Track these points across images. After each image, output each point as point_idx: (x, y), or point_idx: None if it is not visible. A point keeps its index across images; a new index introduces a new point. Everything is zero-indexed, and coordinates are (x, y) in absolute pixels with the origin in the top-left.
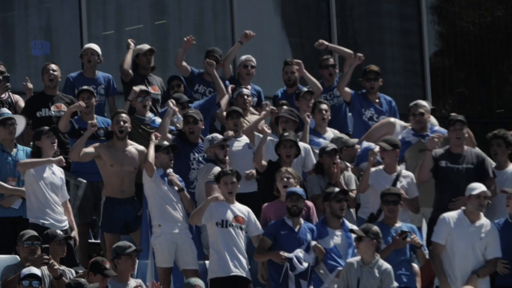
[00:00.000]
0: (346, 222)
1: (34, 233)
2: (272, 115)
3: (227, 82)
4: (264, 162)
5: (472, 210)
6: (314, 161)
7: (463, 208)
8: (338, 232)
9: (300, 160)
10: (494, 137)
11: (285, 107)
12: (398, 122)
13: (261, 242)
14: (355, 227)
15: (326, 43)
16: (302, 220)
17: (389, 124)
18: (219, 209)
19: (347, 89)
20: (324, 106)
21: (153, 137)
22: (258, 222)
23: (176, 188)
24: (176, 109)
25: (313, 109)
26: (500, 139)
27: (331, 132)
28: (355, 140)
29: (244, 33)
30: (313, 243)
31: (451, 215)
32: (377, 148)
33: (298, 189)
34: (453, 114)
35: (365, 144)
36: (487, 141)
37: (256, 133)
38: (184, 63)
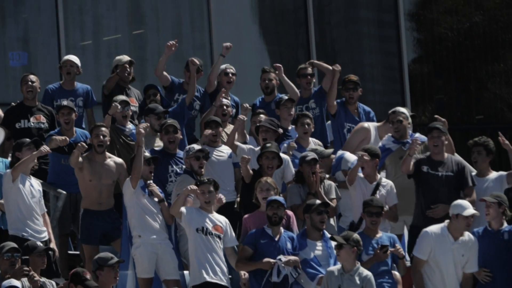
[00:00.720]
0: (326, 232)
1: (14, 245)
2: (253, 124)
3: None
4: (250, 171)
5: (457, 228)
6: (293, 173)
7: (447, 222)
8: (319, 243)
9: (279, 170)
10: (475, 144)
11: (263, 116)
12: (372, 125)
13: (242, 252)
14: (335, 236)
15: (316, 61)
16: (282, 229)
17: (363, 129)
18: (199, 216)
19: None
20: (307, 120)
21: (141, 130)
22: (233, 234)
23: (156, 199)
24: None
25: (296, 122)
26: (480, 147)
27: (313, 144)
28: (330, 151)
29: (224, 46)
30: (283, 259)
31: (434, 231)
32: (354, 157)
33: (279, 197)
34: (436, 116)
35: (339, 152)
36: (467, 148)
37: (238, 144)
38: (164, 73)
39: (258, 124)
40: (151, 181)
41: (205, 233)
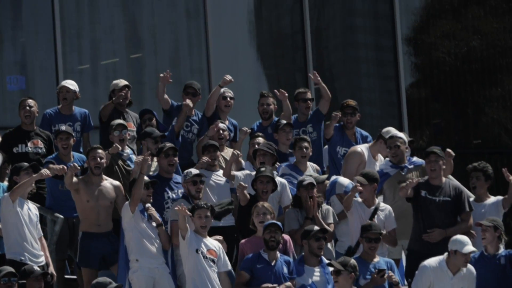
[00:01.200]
0: (323, 258)
1: (11, 269)
2: (251, 147)
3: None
4: (247, 196)
5: (456, 264)
6: (290, 197)
7: (446, 256)
8: (317, 269)
9: (277, 195)
10: (474, 169)
11: (261, 139)
12: (363, 147)
13: (239, 277)
14: (333, 261)
15: (319, 78)
16: (278, 254)
17: (356, 154)
18: (195, 240)
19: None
20: (305, 144)
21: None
22: (226, 258)
23: (154, 223)
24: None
25: (294, 146)
26: (479, 172)
27: (311, 168)
28: (325, 176)
29: (224, 77)
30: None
31: (433, 264)
32: (347, 181)
33: (276, 221)
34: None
35: (333, 177)
36: (464, 172)
37: (235, 173)
38: (165, 96)
39: (255, 148)
40: (150, 205)
41: (202, 255)
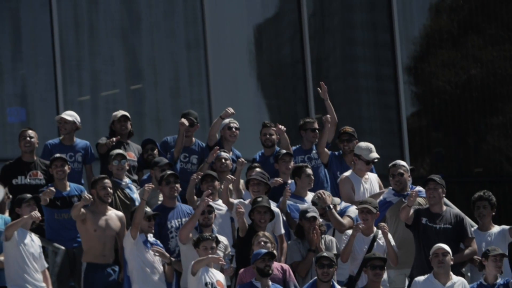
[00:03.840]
0: (335, 283)
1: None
2: (248, 178)
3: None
4: (246, 225)
5: (436, 271)
6: (282, 228)
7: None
8: None
9: (270, 224)
10: (480, 198)
11: (257, 169)
12: (346, 175)
13: None
14: None
15: (327, 93)
16: (270, 282)
17: (343, 180)
18: (204, 271)
19: (326, 150)
20: (309, 171)
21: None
22: None
23: (165, 260)
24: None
25: (299, 173)
26: (485, 201)
27: (310, 195)
28: (339, 200)
29: (226, 110)
30: None
31: (421, 279)
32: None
33: (271, 251)
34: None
35: (343, 205)
36: (466, 200)
37: (232, 201)
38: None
39: (248, 178)
40: (156, 244)
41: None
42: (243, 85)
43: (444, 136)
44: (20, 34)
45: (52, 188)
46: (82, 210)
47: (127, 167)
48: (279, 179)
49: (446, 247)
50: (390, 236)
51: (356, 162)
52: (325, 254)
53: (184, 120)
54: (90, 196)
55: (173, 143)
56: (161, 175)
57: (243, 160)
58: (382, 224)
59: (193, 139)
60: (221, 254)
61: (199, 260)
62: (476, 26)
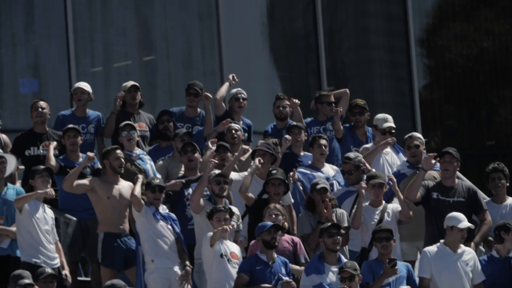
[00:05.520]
0: (342, 256)
1: (29, 280)
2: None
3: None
4: (251, 195)
5: (453, 241)
6: (291, 198)
7: (442, 240)
8: (334, 268)
9: None
10: (495, 170)
11: (261, 141)
12: (367, 146)
13: (238, 279)
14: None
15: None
16: (275, 254)
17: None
18: (219, 243)
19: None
20: (323, 142)
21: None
22: None
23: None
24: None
25: (312, 144)
26: (500, 173)
27: (328, 167)
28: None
29: (232, 75)
30: (285, 279)
31: (432, 248)
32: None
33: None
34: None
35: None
36: (479, 173)
37: (233, 175)
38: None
39: (254, 148)
40: (168, 217)
41: (227, 260)
42: (255, 57)
43: (456, 109)
44: (33, 5)
45: (91, 154)
46: (84, 181)
47: (137, 138)
48: (295, 176)
49: (471, 225)
50: (398, 189)
51: (375, 133)
52: (332, 224)
53: (207, 94)
54: (93, 155)
55: (177, 113)
56: (182, 144)
57: (247, 147)
58: (390, 175)
59: (198, 109)
60: (235, 225)
61: (213, 234)
62: None
